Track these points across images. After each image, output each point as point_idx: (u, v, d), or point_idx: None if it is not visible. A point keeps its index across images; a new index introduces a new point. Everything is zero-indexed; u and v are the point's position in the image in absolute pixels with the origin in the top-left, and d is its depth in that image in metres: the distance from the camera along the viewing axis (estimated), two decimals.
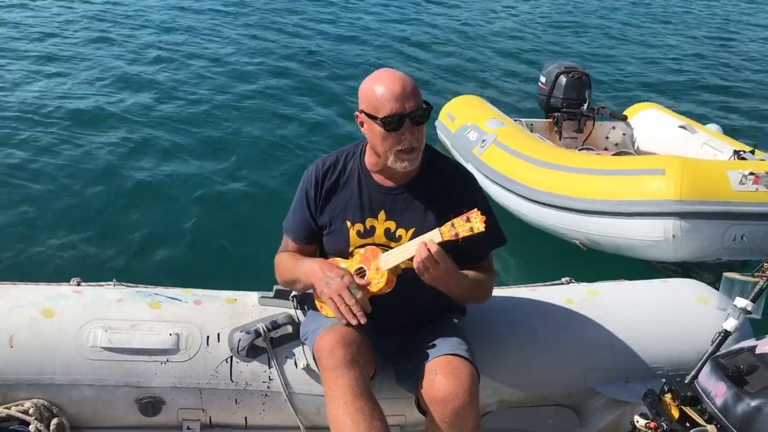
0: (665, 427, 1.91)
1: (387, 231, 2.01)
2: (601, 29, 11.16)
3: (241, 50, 8.58)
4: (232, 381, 2.12)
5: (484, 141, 4.93)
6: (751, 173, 3.78)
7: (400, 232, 2.00)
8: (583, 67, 5.65)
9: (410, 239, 1.96)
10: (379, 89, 1.88)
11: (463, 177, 2.09)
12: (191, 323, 2.17)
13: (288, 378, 2.13)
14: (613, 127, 5.55)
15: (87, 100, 6.55)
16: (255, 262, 3.85)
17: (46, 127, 5.84)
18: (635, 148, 5.46)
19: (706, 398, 1.90)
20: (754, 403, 1.75)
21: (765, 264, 2.01)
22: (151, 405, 2.11)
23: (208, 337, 2.15)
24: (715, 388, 1.87)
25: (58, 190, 4.86)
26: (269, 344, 2.14)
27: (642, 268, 4.07)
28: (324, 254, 2.13)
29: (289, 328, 2.19)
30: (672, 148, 4.87)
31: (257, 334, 2.14)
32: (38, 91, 6.66)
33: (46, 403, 2.04)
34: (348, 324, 1.88)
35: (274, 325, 2.17)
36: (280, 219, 2.20)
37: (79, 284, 2.34)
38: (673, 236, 3.75)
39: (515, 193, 4.49)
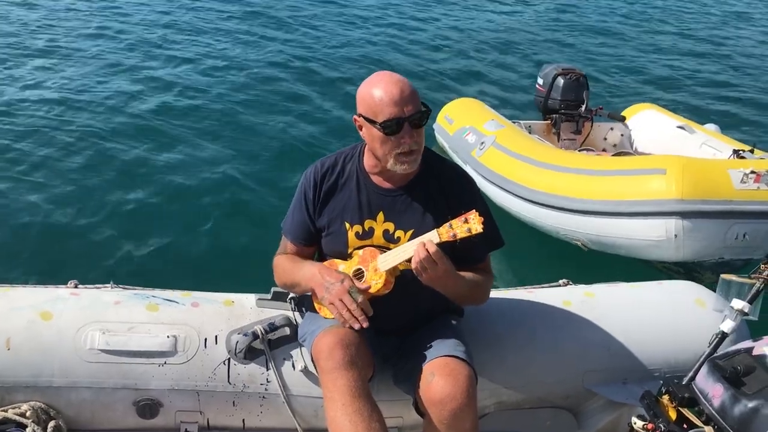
0: (663, 428, 1.91)
1: (386, 232, 2.01)
2: (599, 30, 11.17)
3: (251, 55, 8.52)
4: (230, 383, 2.12)
5: (483, 143, 4.92)
6: (752, 172, 3.77)
7: (399, 233, 2.00)
8: (581, 68, 5.65)
9: (409, 240, 1.96)
10: (378, 93, 1.87)
11: (461, 179, 2.09)
12: (189, 325, 2.16)
13: (286, 380, 2.13)
14: (611, 128, 5.54)
15: (87, 99, 6.54)
16: (252, 264, 3.84)
17: (41, 129, 5.83)
18: (633, 148, 5.45)
19: (703, 399, 1.90)
20: (751, 405, 1.75)
21: (762, 266, 2.01)
22: (148, 407, 2.11)
23: (205, 339, 2.15)
24: (713, 390, 1.87)
25: (54, 193, 4.85)
26: (267, 346, 2.14)
27: (641, 270, 4.06)
28: (322, 256, 2.13)
29: (287, 330, 2.19)
30: (671, 149, 4.85)
31: (255, 336, 2.13)
32: (24, 91, 6.64)
33: (43, 405, 2.04)
34: (350, 327, 1.88)
35: (272, 327, 2.17)
36: (277, 221, 2.20)
37: (76, 286, 2.34)
38: (675, 236, 3.75)
39: (516, 195, 4.48)
